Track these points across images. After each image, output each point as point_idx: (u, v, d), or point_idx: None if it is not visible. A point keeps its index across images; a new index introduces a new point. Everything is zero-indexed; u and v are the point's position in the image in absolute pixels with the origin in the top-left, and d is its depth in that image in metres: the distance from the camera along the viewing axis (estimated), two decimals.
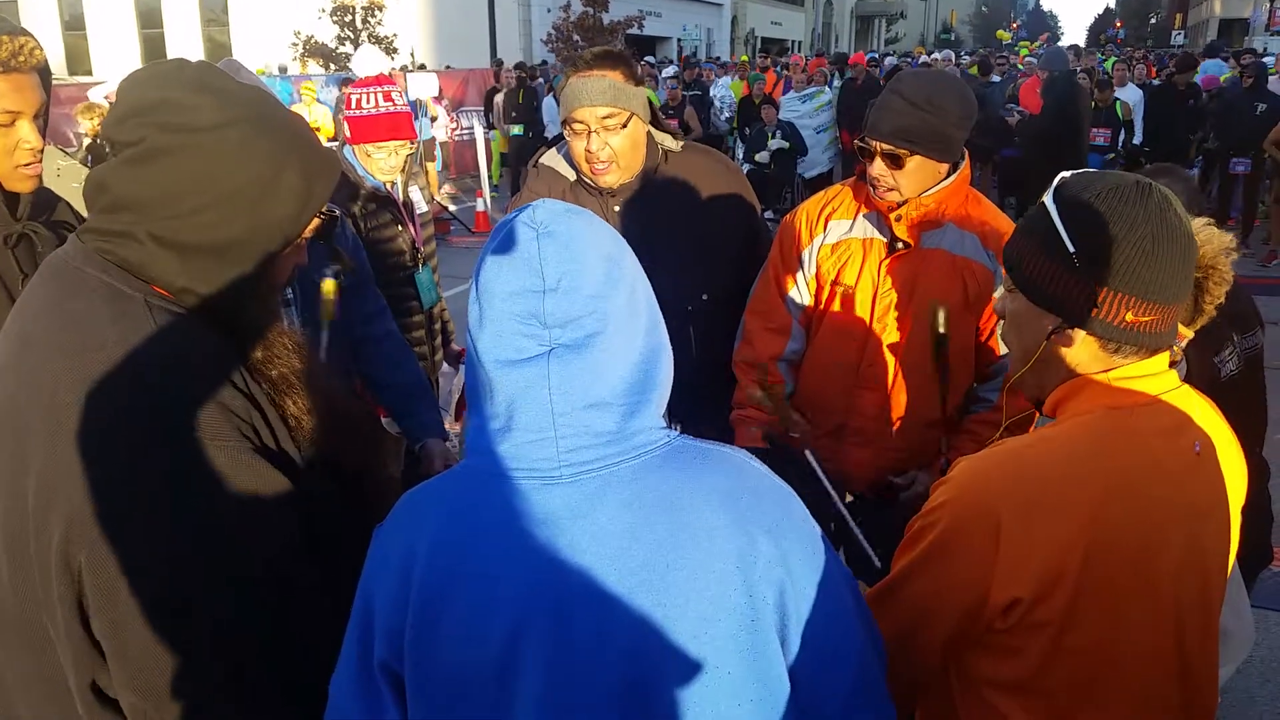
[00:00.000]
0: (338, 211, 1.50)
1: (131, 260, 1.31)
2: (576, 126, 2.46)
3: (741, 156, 12.50)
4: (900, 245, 2.41)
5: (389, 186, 3.35)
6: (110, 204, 1.31)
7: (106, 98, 10.86)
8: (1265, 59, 13.35)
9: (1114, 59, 17.69)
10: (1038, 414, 1.59)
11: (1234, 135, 10.38)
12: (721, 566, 1.09)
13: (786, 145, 11.25)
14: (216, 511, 1.23)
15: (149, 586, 1.20)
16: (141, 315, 1.27)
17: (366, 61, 8.92)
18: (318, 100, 13.17)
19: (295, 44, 25.75)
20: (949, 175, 2.34)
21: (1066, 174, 1.41)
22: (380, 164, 3.26)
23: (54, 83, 1.99)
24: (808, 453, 2.30)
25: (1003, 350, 2.45)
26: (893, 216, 2.36)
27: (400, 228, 3.40)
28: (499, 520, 1.11)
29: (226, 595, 1.23)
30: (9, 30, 1.86)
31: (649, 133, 2.59)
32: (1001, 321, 1.54)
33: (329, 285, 2.45)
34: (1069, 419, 1.41)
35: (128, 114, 1.31)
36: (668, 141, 2.65)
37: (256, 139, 1.33)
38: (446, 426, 3.95)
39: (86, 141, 9.86)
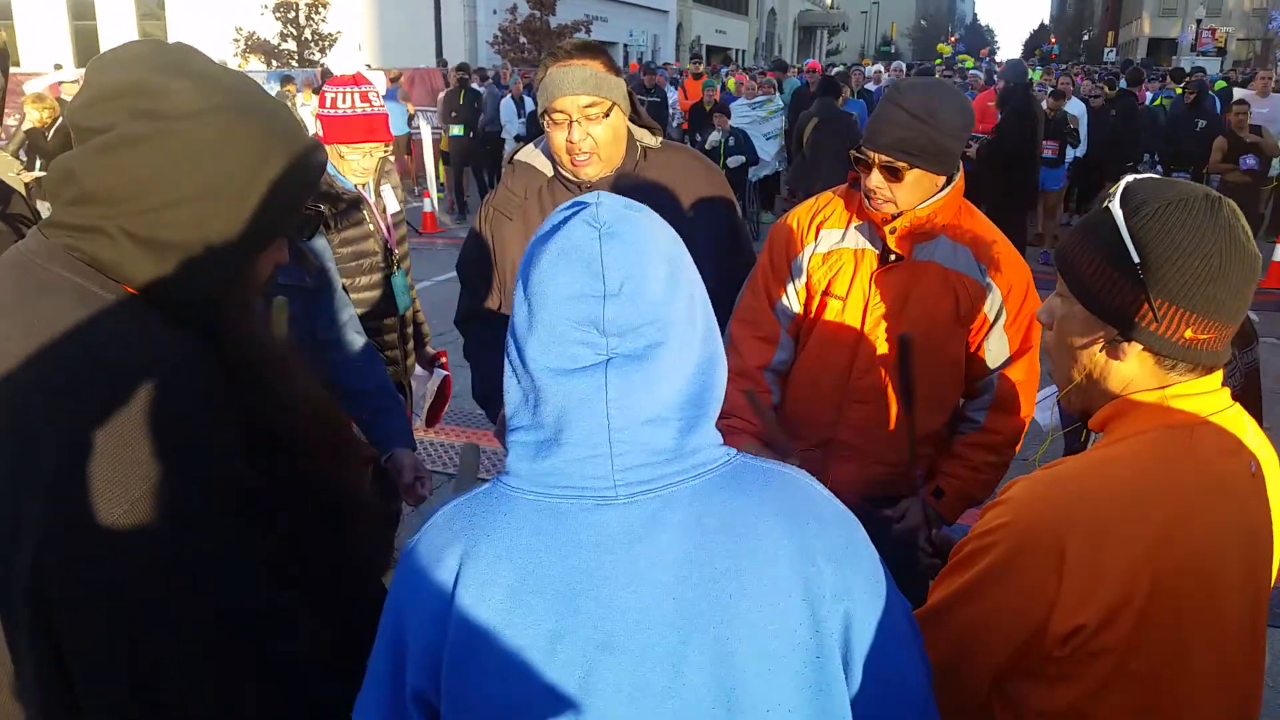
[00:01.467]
0: (324, 207, 1.40)
1: (102, 258, 1.20)
2: (557, 116, 2.38)
3: None
4: (893, 257, 2.37)
5: (360, 187, 3.23)
6: (78, 195, 1.20)
7: (74, 82, 10.49)
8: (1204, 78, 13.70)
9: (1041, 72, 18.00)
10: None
11: (1175, 150, 10.63)
12: (787, 598, 1.03)
13: (743, 159, 11.27)
14: (193, 537, 1.14)
15: (121, 617, 1.10)
16: (114, 320, 1.17)
17: (343, 60, 8.71)
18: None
19: (236, 40, 25.23)
20: (944, 187, 2.31)
21: (1132, 179, 1.36)
22: (354, 165, 3.14)
23: (66, 79, 1.85)
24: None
25: (992, 363, 2.43)
26: (887, 229, 2.32)
27: (373, 229, 3.28)
28: (548, 542, 1.03)
29: (203, 623, 1.14)
30: None
31: (628, 129, 2.52)
32: (1046, 330, 1.49)
33: (279, 304, 2.32)
34: (1126, 438, 1.36)
35: (96, 98, 1.20)
36: (646, 138, 2.59)
37: (238, 127, 1.22)
38: (419, 433, 3.85)
39: (24, 130, 9.49)
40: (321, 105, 3.15)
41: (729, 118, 11.62)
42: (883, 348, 2.42)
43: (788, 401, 2.57)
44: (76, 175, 1.19)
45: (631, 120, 2.54)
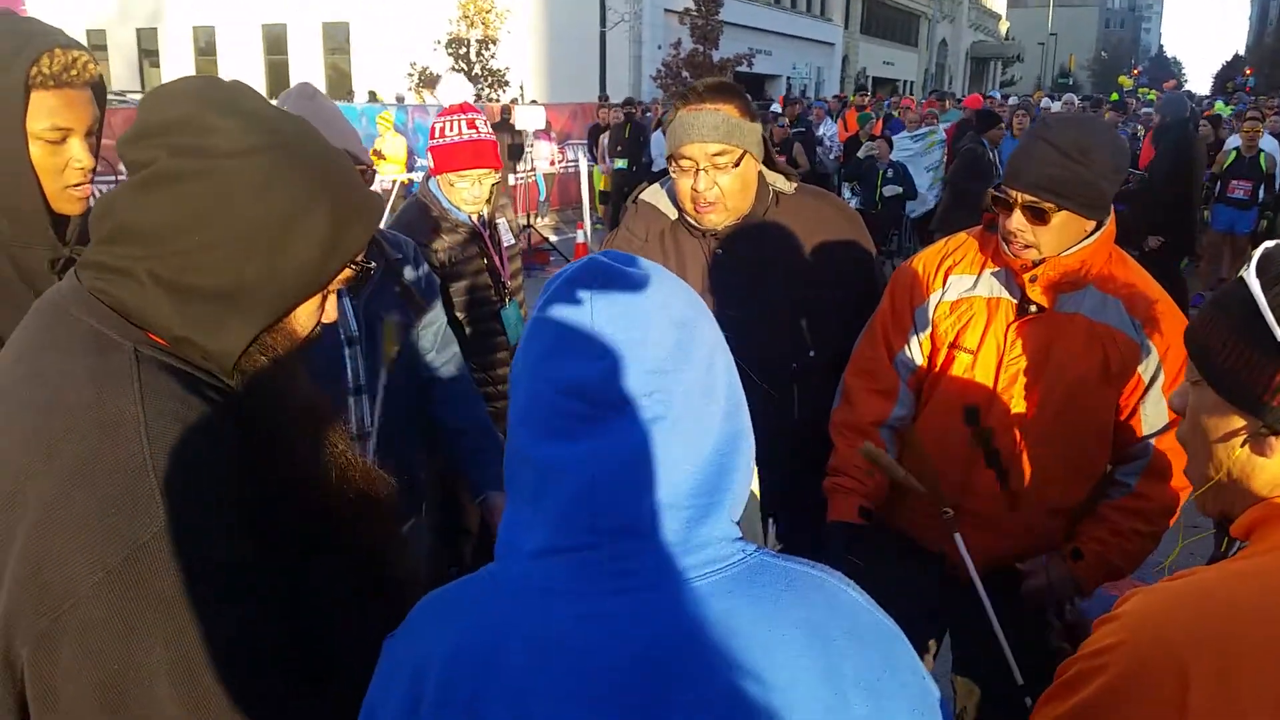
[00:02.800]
0: (373, 264, 1.30)
1: (127, 303, 1.12)
2: (684, 163, 2.25)
3: (849, 195, 12.22)
4: (1033, 308, 2.11)
5: (474, 219, 3.20)
6: (111, 233, 1.13)
7: None
8: None
9: (1231, 109, 16.70)
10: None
11: None
12: None
13: (900, 190, 10.90)
14: (195, 619, 1.03)
15: (105, 702, 0.99)
16: (126, 371, 1.08)
17: (451, 90, 8.88)
18: (395, 130, 13.28)
19: (410, 74, 26.41)
20: (1093, 232, 2.05)
21: (1270, 244, 1.17)
22: (463, 194, 3.12)
23: (130, 106, 1.85)
24: (957, 538, 2.01)
25: (1146, 430, 2.14)
26: (1027, 277, 2.07)
27: (485, 261, 3.24)
28: (531, 640, 0.88)
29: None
30: (62, 44, 1.73)
31: (760, 173, 2.37)
32: (1180, 419, 1.27)
33: (388, 328, 2.28)
34: (1272, 551, 1.13)
35: (142, 132, 1.13)
36: (780, 183, 2.42)
37: (284, 170, 1.13)
38: None
39: None
40: (431, 136, 3.14)
41: (891, 148, 11.29)
42: (1018, 407, 2.16)
43: (907, 463, 2.34)
44: (114, 210, 1.13)
45: (766, 164, 2.38)
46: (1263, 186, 10.04)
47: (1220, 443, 1.19)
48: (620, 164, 14.05)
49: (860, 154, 10.79)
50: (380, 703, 0.97)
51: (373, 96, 22.37)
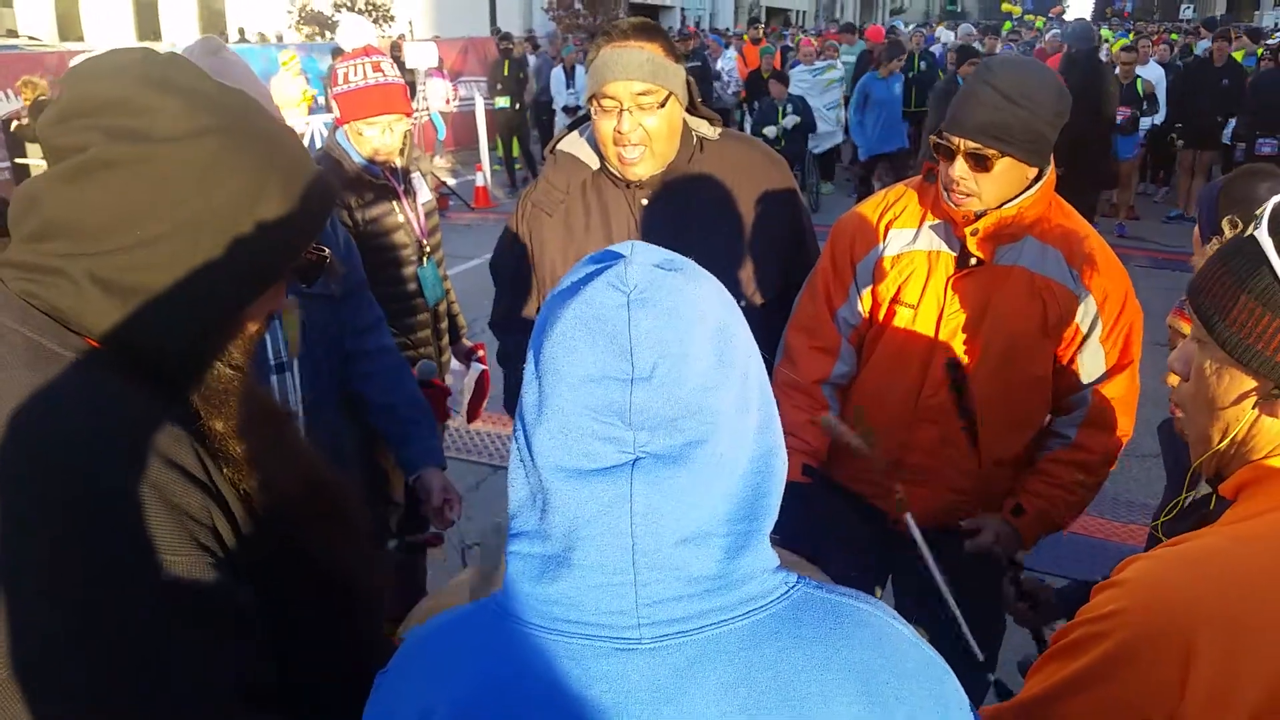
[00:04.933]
0: (327, 251, 1.20)
1: (62, 307, 1.01)
2: (606, 103, 2.14)
3: (750, 131, 12.18)
4: (972, 261, 2.10)
5: (386, 172, 3.02)
6: (40, 229, 1.01)
7: None
8: None
9: (1124, 38, 17.17)
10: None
11: (1263, 113, 10.02)
12: None
13: (798, 120, 10.88)
14: (157, 649, 0.95)
15: None
16: (71, 383, 0.98)
17: (352, 32, 8.43)
18: (302, 73, 12.66)
19: (290, 12, 25.27)
20: (1034, 182, 2.03)
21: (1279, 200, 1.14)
22: (373, 142, 2.92)
23: (42, 50, 1.66)
24: (908, 518, 2.00)
25: (1084, 380, 2.16)
26: (968, 230, 2.05)
27: (401, 218, 3.08)
28: (550, 696, 0.79)
29: None
30: None
31: (684, 119, 2.28)
32: (1181, 380, 1.27)
33: (289, 317, 2.11)
34: (1268, 510, 1.13)
35: (70, 113, 1.01)
36: (704, 128, 2.34)
37: (231, 154, 1.03)
38: (455, 424, 3.66)
39: None
40: (334, 83, 2.94)
41: (786, 85, 11.25)
42: (959, 361, 2.16)
43: (848, 421, 2.33)
44: (40, 203, 1.01)
45: (689, 111, 2.30)
46: (1144, 110, 10.39)
47: (1230, 405, 1.18)
48: (502, 102, 13.65)
49: (765, 133, 10.67)
50: None
51: (242, 35, 21.29)
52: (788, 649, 0.80)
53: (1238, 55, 12.43)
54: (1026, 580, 1.87)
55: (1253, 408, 1.15)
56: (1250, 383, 1.15)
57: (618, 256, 0.81)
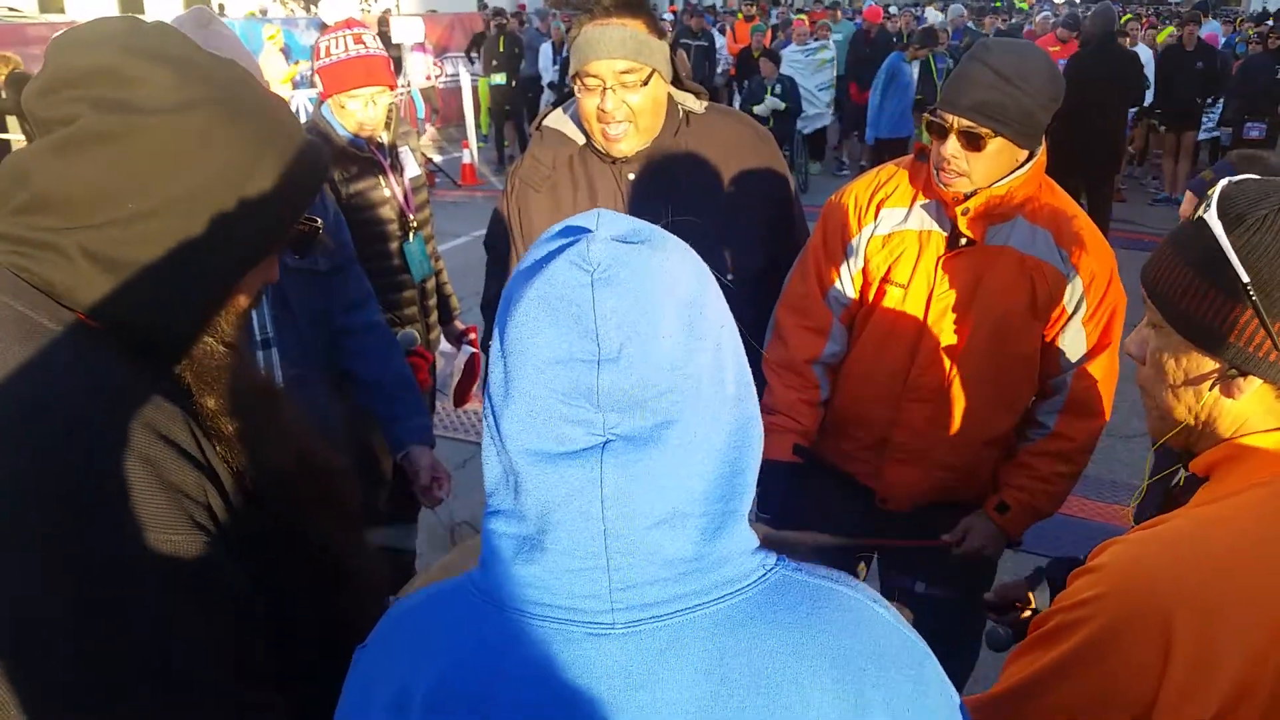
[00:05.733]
0: (319, 221, 1.19)
1: (54, 281, 0.99)
2: (589, 82, 2.13)
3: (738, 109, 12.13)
4: (963, 241, 2.09)
5: (372, 147, 3.00)
6: (29, 202, 0.99)
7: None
8: None
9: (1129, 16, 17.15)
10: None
11: (1252, 97, 10.03)
12: None
13: (783, 106, 10.83)
14: (155, 629, 0.93)
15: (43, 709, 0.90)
16: (65, 358, 0.97)
17: (334, 5, 8.36)
18: (285, 48, 12.54)
19: None
20: (1024, 164, 2.03)
21: (1227, 183, 1.15)
22: (357, 116, 2.90)
23: (24, 22, 1.62)
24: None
25: (1065, 359, 2.16)
26: (959, 209, 2.04)
27: (387, 193, 3.06)
28: (523, 679, 0.78)
29: None
30: None
31: (669, 94, 2.27)
32: (1140, 365, 1.27)
33: None
34: (1242, 490, 1.14)
35: (56, 83, 0.99)
36: (690, 103, 2.32)
37: (224, 126, 1.01)
38: (443, 408, 3.64)
39: None
40: (316, 57, 2.92)
41: (778, 65, 11.18)
42: (948, 341, 2.16)
43: (839, 398, 2.33)
44: (29, 176, 0.99)
45: (674, 84, 2.28)
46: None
47: (1188, 386, 1.19)
48: (498, 79, 13.53)
49: (756, 111, 10.54)
50: None
51: (221, 10, 21.03)
52: (763, 634, 0.79)
53: (1161, 36, 12.38)
54: (988, 599, 1.83)
55: (1210, 389, 1.16)
56: (1208, 364, 1.16)
57: (582, 231, 0.79)
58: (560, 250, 0.77)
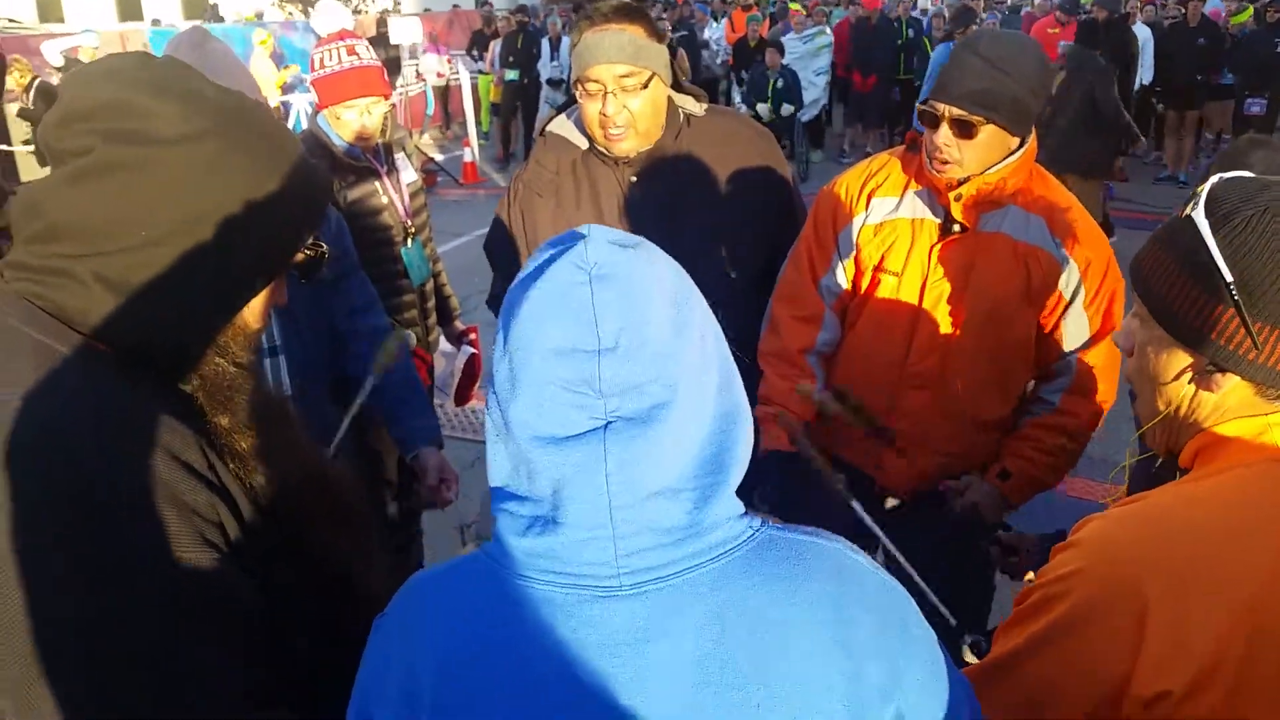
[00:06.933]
0: (325, 247, 1.23)
1: (68, 306, 1.04)
2: (590, 87, 2.17)
3: (740, 101, 12.12)
4: (956, 228, 2.11)
5: (369, 154, 3.03)
6: (44, 231, 1.04)
7: (65, 54, 10.30)
8: None
9: None
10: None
11: (1252, 72, 9.98)
12: (826, 704, 0.87)
13: (792, 110, 10.84)
14: (166, 648, 0.97)
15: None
16: (78, 383, 1.00)
17: (326, 17, 8.39)
18: (275, 53, 12.54)
19: None
20: (1015, 151, 2.05)
21: (1217, 180, 1.17)
22: (353, 125, 2.94)
23: (24, 32, 1.66)
24: (854, 505, 2.04)
25: (1068, 345, 2.18)
26: (951, 195, 2.06)
27: (385, 199, 3.09)
28: (539, 642, 0.87)
29: None
30: None
31: (669, 96, 2.30)
32: (1127, 356, 1.29)
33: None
34: (1221, 473, 1.16)
35: (70, 117, 1.04)
36: (690, 105, 2.36)
37: (230, 155, 1.06)
38: (445, 406, 3.67)
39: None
40: (311, 69, 2.96)
41: (782, 54, 11.17)
42: (944, 327, 2.18)
43: (834, 386, 2.36)
44: (42, 207, 1.04)
45: (674, 88, 2.31)
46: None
47: (1169, 381, 1.21)
48: (511, 75, 13.52)
49: (759, 109, 10.51)
50: (375, 695, 0.96)
51: (215, 13, 21.05)
52: (755, 585, 0.88)
53: (1243, 17, 12.30)
54: (1006, 536, 1.90)
55: (1189, 383, 1.19)
56: (1187, 359, 1.18)
57: (578, 238, 0.88)
58: (560, 254, 0.87)
